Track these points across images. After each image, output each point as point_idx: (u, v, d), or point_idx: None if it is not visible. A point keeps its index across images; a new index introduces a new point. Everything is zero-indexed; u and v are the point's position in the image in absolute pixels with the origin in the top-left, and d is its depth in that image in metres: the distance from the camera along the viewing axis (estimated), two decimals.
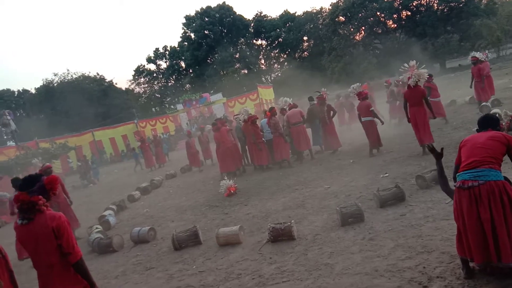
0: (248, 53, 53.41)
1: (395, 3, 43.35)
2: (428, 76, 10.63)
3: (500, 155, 3.37)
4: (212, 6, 53.44)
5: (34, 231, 3.01)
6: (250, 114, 11.65)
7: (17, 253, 7.76)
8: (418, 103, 8.55)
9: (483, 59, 13.00)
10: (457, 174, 3.51)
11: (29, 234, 3.03)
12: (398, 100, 13.04)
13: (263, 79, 51.59)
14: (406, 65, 9.17)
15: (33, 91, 51.22)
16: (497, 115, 8.52)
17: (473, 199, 3.26)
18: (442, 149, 3.83)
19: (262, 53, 57.08)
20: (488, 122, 3.66)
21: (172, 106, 48.04)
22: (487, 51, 21.66)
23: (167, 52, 57.05)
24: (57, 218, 3.04)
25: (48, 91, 48.24)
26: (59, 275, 3.06)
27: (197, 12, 53.50)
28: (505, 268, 3.23)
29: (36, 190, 3.07)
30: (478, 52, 14.51)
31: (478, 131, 3.69)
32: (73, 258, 3.06)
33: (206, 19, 52.62)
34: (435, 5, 42.57)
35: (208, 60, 52.90)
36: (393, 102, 13.92)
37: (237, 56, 53.63)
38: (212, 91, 39.15)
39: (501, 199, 3.16)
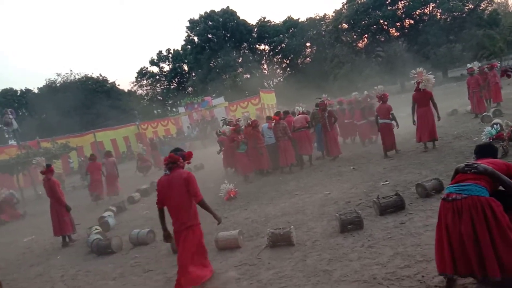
0: (250, 57, 53.50)
1: (399, 12, 43.48)
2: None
3: (492, 182, 3.36)
4: (216, 11, 53.62)
5: (172, 180, 4.65)
6: (251, 119, 11.72)
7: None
8: (426, 104, 9.68)
9: (486, 70, 13.20)
10: (446, 187, 3.56)
11: (169, 181, 4.66)
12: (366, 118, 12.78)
13: (265, 84, 51.62)
14: (414, 71, 10.02)
15: (36, 90, 51.40)
16: (498, 125, 8.57)
17: (456, 212, 3.29)
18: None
19: (264, 58, 57.20)
20: (488, 151, 3.73)
21: (174, 109, 48.15)
22: (497, 62, 21.74)
23: (170, 55, 57.19)
24: (187, 173, 4.69)
25: (50, 91, 48.38)
26: (185, 210, 4.67)
27: (201, 16, 53.68)
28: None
29: (179, 154, 4.80)
30: (476, 62, 14.69)
31: (476, 158, 3.73)
32: (196, 199, 4.68)
33: (210, 23, 52.76)
34: (438, 14, 42.71)
35: (210, 64, 52.96)
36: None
37: (239, 60, 53.71)
38: (214, 95, 39.16)
39: (484, 214, 3.16)
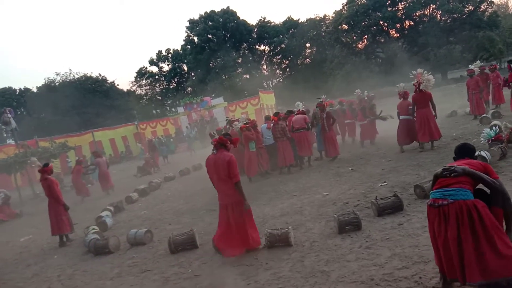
0: (250, 58, 53.48)
1: (399, 13, 43.50)
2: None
3: (473, 181, 3.38)
4: (216, 11, 53.58)
5: (217, 159, 5.40)
6: (249, 119, 11.69)
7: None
8: (426, 105, 9.82)
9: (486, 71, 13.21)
10: (430, 192, 3.56)
11: (215, 161, 5.43)
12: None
13: (265, 84, 51.57)
14: (414, 72, 10.01)
15: (35, 90, 51.29)
16: (496, 127, 8.57)
17: (442, 217, 3.30)
18: None
19: (264, 58, 57.18)
20: (465, 151, 3.74)
21: (173, 109, 48.06)
22: (497, 64, 21.83)
23: (169, 55, 57.13)
24: (230, 156, 5.34)
25: (49, 90, 48.24)
26: (227, 185, 5.40)
27: (201, 16, 53.61)
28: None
29: (228, 138, 5.59)
30: (478, 61, 14.70)
31: (455, 159, 3.75)
32: (234, 180, 5.35)
33: (210, 23, 52.68)
34: (438, 15, 42.73)
35: (210, 64, 52.90)
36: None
37: (239, 60, 53.67)
38: (213, 95, 39.13)
39: (469, 217, 3.17)
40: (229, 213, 5.46)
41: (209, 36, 52.97)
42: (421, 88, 9.74)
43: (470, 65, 14.24)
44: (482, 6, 40.71)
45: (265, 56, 57.22)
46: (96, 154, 16.11)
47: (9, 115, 18.65)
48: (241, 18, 53.77)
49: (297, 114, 11.73)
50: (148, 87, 59.01)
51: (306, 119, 11.40)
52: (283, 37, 53.98)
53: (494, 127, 8.60)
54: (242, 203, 5.41)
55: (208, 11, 53.44)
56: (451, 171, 3.37)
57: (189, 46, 54.61)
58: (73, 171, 15.22)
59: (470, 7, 40.47)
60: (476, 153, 7.20)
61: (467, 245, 3.15)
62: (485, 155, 7.16)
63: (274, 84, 54.39)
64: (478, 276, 3.10)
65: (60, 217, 8.45)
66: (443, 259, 3.34)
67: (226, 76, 49.50)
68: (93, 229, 8.18)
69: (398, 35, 45.68)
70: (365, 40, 46.91)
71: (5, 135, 40.99)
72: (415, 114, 10.02)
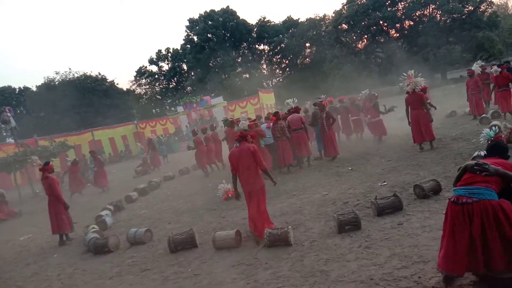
0: (250, 57, 53.46)
1: (398, 13, 43.48)
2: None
3: (501, 182, 3.36)
4: (216, 10, 53.53)
5: (242, 151, 6.05)
6: (250, 118, 11.68)
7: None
8: (419, 106, 9.84)
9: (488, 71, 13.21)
10: (454, 188, 3.54)
11: (239, 153, 6.06)
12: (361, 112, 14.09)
13: (264, 84, 51.55)
14: (405, 74, 10.04)
15: (34, 88, 51.22)
16: (496, 127, 8.58)
17: (466, 215, 3.29)
18: None
19: (264, 58, 57.17)
20: (497, 149, 3.74)
21: (172, 108, 48.02)
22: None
23: (169, 54, 57.11)
24: (253, 147, 6.08)
25: (49, 89, 48.16)
26: (252, 173, 6.07)
27: (200, 16, 53.58)
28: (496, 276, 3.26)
29: (247, 133, 6.56)
30: (480, 61, 14.65)
31: (486, 156, 3.73)
32: (261, 168, 6.09)
33: (210, 22, 52.66)
34: (438, 16, 42.71)
35: (210, 64, 52.86)
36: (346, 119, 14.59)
37: (239, 60, 53.66)
38: (213, 94, 39.11)
39: (495, 217, 3.17)
40: (253, 198, 6.14)
41: (209, 35, 52.95)
42: (407, 89, 9.86)
43: (475, 64, 14.16)
44: (481, 7, 40.69)
45: (265, 55, 57.20)
46: (93, 153, 16.43)
47: (9, 114, 18.62)
48: (240, 18, 53.78)
49: (291, 112, 11.56)
50: (147, 86, 59.00)
51: (302, 119, 11.31)
52: (283, 37, 53.97)
53: (493, 127, 8.55)
54: (262, 189, 6.18)
55: (208, 11, 53.46)
56: (483, 169, 3.27)
57: (188, 46, 54.58)
58: (69, 170, 15.75)
59: (470, 7, 40.45)
60: (476, 153, 7.23)
61: (493, 240, 3.15)
62: (484, 155, 7.15)
63: (273, 83, 54.37)
64: (503, 264, 3.13)
65: (60, 216, 8.43)
66: (457, 254, 3.31)
67: (226, 76, 49.46)
68: (93, 228, 8.18)
69: (397, 35, 45.64)
70: (365, 40, 46.87)
71: (4, 134, 40.98)
72: (410, 116, 10.04)
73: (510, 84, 11.92)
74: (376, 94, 13.44)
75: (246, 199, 6.30)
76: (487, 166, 3.26)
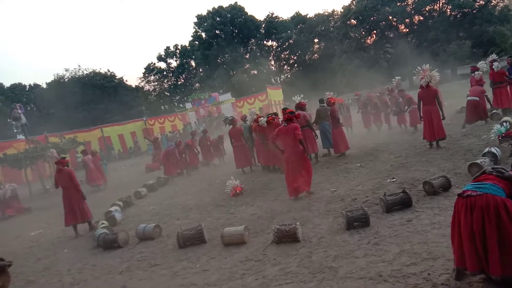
0: (258, 54, 53.36)
1: (408, 8, 43.09)
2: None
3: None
4: (224, 6, 53.48)
5: (288, 129, 7.72)
6: (258, 114, 11.66)
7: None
8: (431, 102, 9.44)
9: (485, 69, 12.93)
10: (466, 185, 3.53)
11: (286, 130, 7.76)
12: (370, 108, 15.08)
13: (273, 80, 51.50)
14: (419, 67, 9.61)
15: (44, 86, 51.74)
16: (507, 123, 8.47)
17: (469, 208, 3.27)
18: None
19: (272, 54, 57.05)
20: None
21: (181, 105, 48.21)
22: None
23: (177, 51, 57.30)
24: (296, 125, 7.76)
25: (59, 86, 48.64)
26: (293, 145, 7.66)
27: (208, 12, 53.59)
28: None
29: (294, 114, 8.06)
30: (487, 58, 14.35)
31: None
32: (297, 138, 7.62)
33: (218, 19, 52.66)
34: (448, 10, 42.22)
35: (218, 60, 52.91)
36: (365, 112, 15.39)
37: (247, 56, 53.60)
38: (221, 91, 39.19)
39: (497, 213, 3.12)
40: (292, 163, 7.69)
41: (217, 32, 52.97)
42: (421, 83, 9.39)
43: (486, 60, 13.85)
44: (493, 1, 40.16)
45: (273, 51, 57.08)
46: (84, 152, 16.99)
47: (19, 111, 18.85)
48: (249, 14, 53.71)
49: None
50: (156, 83, 59.31)
51: (306, 117, 10.97)
52: (291, 33, 53.80)
53: (504, 123, 8.49)
54: (300, 156, 7.69)
55: (216, 7, 53.43)
56: (498, 171, 3.31)
57: (197, 42, 54.67)
58: (92, 161, 16.19)
59: (481, 1, 39.93)
60: (486, 150, 7.15)
61: (491, 239, 3.12)
62: (495, 151, 7.07)
63: (282, 79, 54.27)
64: (500, 270, 3.09)
65: (82, 205, 8.84)
66: (466, 250, 3.29)
67: (234, 72, 49.49)
68: (103, 224, 8.26)
69: (407, 30, 45.23)
70: (374, 36, 46.57)
71: (15, 130, 41.45)
72: (422, 111, 9.73)
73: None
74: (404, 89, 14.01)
75: (286, 166, 7.90)
76: (503, 171, 3.30)
